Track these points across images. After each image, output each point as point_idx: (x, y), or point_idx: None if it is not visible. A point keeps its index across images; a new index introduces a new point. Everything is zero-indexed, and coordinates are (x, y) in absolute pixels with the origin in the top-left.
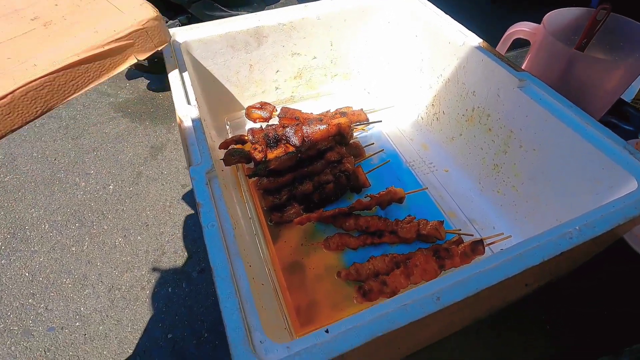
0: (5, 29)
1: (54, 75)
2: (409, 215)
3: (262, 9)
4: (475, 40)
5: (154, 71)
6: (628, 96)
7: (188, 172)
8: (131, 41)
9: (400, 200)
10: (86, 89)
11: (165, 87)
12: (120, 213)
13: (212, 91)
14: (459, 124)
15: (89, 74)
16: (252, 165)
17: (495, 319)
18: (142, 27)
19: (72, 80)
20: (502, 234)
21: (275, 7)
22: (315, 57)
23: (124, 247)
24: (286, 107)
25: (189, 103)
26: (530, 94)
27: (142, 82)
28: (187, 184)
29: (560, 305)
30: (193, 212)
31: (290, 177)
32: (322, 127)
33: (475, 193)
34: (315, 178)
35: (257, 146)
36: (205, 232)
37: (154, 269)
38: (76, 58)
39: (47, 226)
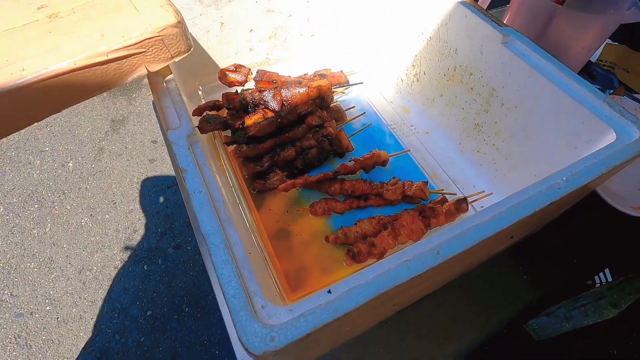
0: (7, 14)
1: (43, 83)
2: (393, 178)
3: None
4: None
5: None
6: (593, 57)
7: (158, 142)
8: (143, 50)
9: (384, 163)
10: (81, 100)
11: None
12: (84, 192)
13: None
14: (440, 84)
15: (86, 84)
16: (229, 132)
17: (476, 273)
18: (157, 34)
19: (64, 90)
20: (484, 191)
21: None
22: (290, 15)
23: (92, 227)
24: (262, 70)
25: None
26: (514, 50)
27: None
28: (155, 158)
29: (535, 255)
30: (163, 187)
31: (270, 144)
32: (302, 90)
33: (456, 153)
34: (297, 143)
35: (233, 112)
36: (193, 199)
37: (127, 248)
38: (73, 65)
39: (1, 209)
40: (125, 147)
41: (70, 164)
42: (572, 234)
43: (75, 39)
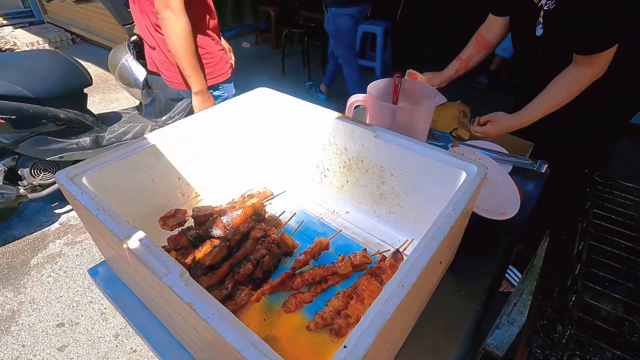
0: None
1: None
2: (340, 255)
3: (104, 132)
4: (334, 113)
5: None
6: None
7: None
8: None
9: (327, 247)
10: None
11: None
12: None
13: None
14: (342, 174)
15: None
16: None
17: (432, 306)
18: None
19: None
20: (407, 240)
21: (165, 124)
22: (206, 153)
23: None
24: (197, 207)
25: (122, 226)
26: (383, 139)
27: None
28: (66, 343)
29: (462, 274)
30: None
31: (227, 266)
32: (239, 212)
33: (376, 219)
34: (250, 257)
35: (183, 251)
36: (211, 323)
37: None
38: None
39: None
40: (23, 346)
41: None
42: (475, 250)
43: None
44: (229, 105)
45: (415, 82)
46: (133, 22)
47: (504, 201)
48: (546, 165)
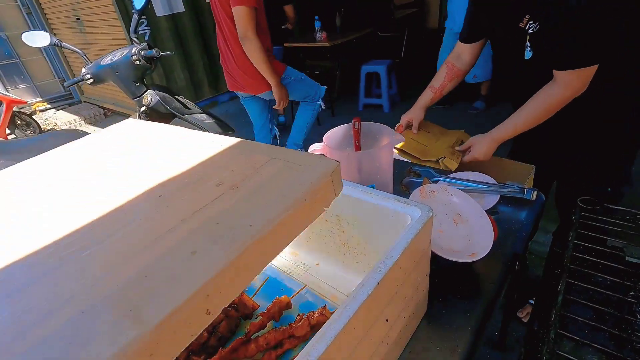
0: (193, 197)
1: (271, 233)
2: (298, 315)
3: None
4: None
5: None
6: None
7: None
8: (321, 193)
9: (288, 305)
10: (289, 243)
11: None
12: None
13: None
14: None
15: (293, 227)
16: None
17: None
18: (329, 177)
19: (283, 236)
20: None
21: None
22: None
23: None
24: None
25: None
26: None
27: None
28: None
29: (436, 321)
30: None
31: None
32: None
33: (343, 271)
34: None
35: None
36: None
37: None
38: (286, 213)
39: None
40: None
41: None
42: (454, 295)
43: (271, 194)
44: None
45: (371, 124)
46: (141, 95)
47: (476, 240)
48: (535, 192)
